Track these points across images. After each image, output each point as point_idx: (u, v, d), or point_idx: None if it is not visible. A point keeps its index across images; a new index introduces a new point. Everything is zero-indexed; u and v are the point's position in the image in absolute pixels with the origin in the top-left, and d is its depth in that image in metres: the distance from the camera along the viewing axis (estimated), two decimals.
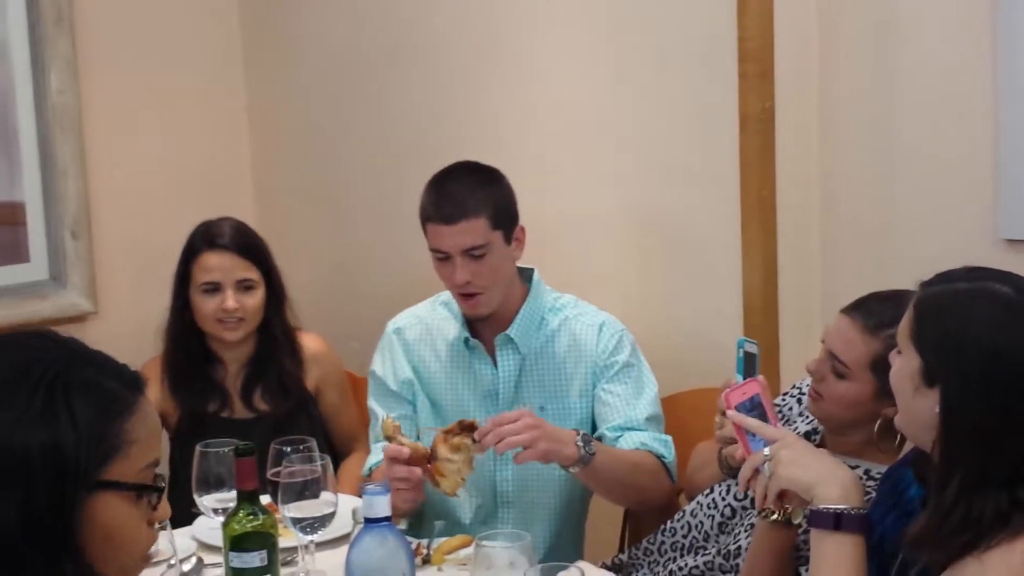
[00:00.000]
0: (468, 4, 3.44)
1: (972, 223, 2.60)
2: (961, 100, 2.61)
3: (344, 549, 2.08)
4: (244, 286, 3.06)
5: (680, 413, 2.89)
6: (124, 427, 1.45)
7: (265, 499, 2.29)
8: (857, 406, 2.21)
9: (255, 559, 2.17)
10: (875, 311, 2.21)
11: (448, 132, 3.49)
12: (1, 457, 1.37)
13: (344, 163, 3.83)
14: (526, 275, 2.83)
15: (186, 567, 2.37)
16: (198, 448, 2.41)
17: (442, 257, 2.69)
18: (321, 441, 2.49)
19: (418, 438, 2.63)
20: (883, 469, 2.19)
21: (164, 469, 3.16)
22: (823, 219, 2.89)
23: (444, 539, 2.50)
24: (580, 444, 2.51)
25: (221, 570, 2.30)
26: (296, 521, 2.28)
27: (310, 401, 3.17)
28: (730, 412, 2.00)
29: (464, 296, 2.72)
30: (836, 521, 1.83)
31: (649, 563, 2.57)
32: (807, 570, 1.98)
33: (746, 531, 2.32)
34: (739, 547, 2.32)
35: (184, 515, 2.54)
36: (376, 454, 2.78)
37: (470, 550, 2.26)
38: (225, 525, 2.21)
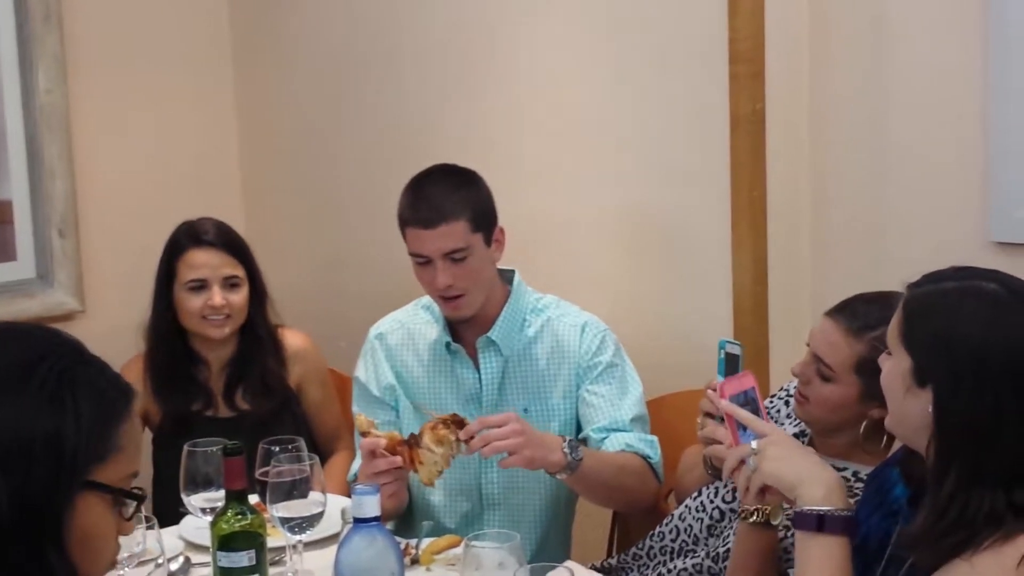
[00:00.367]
0: (461, 4, 3.43)
1: (963, 225, 2.61)
2: (952, 101, 2.61)
3: (333, 549, 2.07)
4: (230, 283, 3.05)
5: (669, 414, 2.89)
6: (118, 431, 1.48)
7: (253, 499, 2.28)
8: (842, 408, 2.22)
9: (243, 559, 2.16)
10: (860, 313, 2.22)
11: (439, 132, 3.48)
12: (5, 437, 1.39)
13: (333, 162, 3.83)
14: (507, 277, 2.83)
15: (173, 566, 2.37)
16: (186, 447, 2.40)
17: (423, 261, 2.68)
18: (305, 440, 2.48)
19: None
20: (871, 471, 2.19)
21: (147, 469, 3.18)
22: (814, 220, 2.89)
23: (433, 539, 2.49)
24: (567, 451, 2.51)
25: (209, 570, 2.29)
26: (284, 521, 2.28)
27: (293, 399, 3.17)
28: (723, 402, 1.99)
29: (446, 299, 2.71)
30: (819, 523, 1.83)
31: (639, 567, 2.57)
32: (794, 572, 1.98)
33: (735, 534, 2.32)
34: (728, 550, 2.32)
35: (171, 514, 2.53)
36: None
37: (459, 550, 2.26)
38: (213, 524, 2.20)
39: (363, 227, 3.71)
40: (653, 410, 2.89)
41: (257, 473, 2.35)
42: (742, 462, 1.96)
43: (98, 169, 3.72)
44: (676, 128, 3.03)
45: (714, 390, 2.08)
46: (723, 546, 2.36)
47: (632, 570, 2.58)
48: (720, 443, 2.08)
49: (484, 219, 2.71)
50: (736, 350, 2.16)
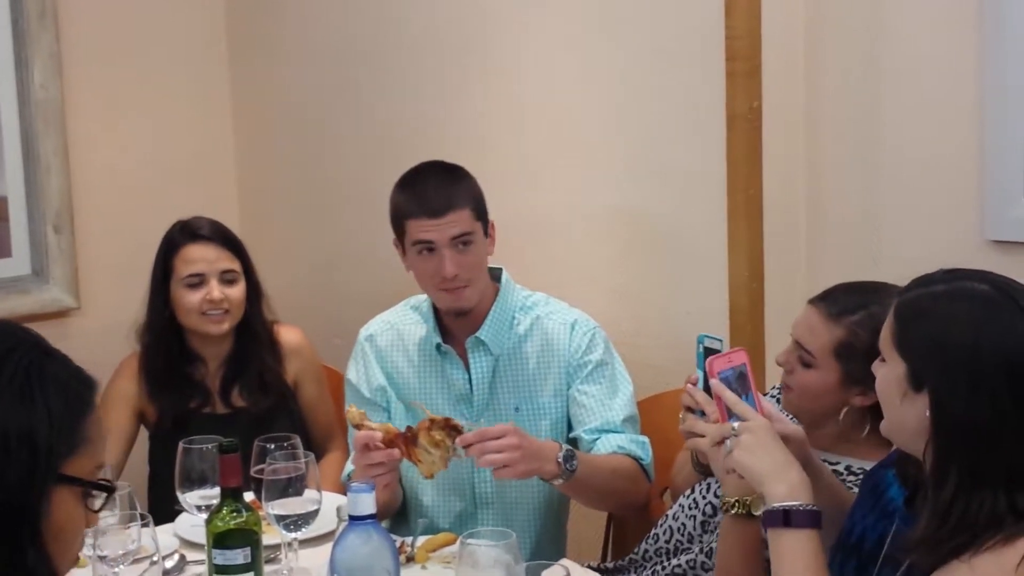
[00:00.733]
0: (457, 2, 3.43)
1: (958, 223, 2.61)
2: (947, 100, 2.61)
3: (328, 547, 2.07)
4: (227, 278, 3.05)
5: (664, 413, 2.88)
6: (85, 424, 1.48)
7: (249, 496, 2.28)
8: (824, 395, 2.23)
9: (238, 556, 2.16)
10: (839, 299, 2.25)
11: (434, 130, 3.48)
12: None
13: (329, 160, 3.82)
14: (494, 275, 2.83)
15: (168, 564, 2.36)
16: (181, 445, 2.40)
17: (428, 250, 2.68)
18: (301, 437, 2.48)
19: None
20: (863, 464, 2.20)
21: (143, 467, 3.18)
22: (809, 218, 2.89)
23: (428, 537, 2.49)
24: (561, 461, 2.51)
25: (204, 567, 2.28)
26: (280, 518, 2.28)
27: (290, 396, 3.16)
28: (712, 381, 1.99)
29: (449, 290, 2.71)
30: (785, 518, 1.84)
31: (635, 568, 2.57)
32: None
33: (719, 527, 2.32)
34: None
35: (166, 512, 2.53)
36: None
37: (454, 548, 2.26)
38: (208, 522, 2.19)
39: (359, 225, 3.70)
40: (648, 409, 2.89)
41: (252, 470, 2.35)
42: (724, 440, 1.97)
43: (93, 166, 3.72)
44: (672, 126, 3.02)
45: (694, 384, 2.08)
46: (716, 540, 2.36)
47: (629, 571, 2.58)
48: (702, 436, 2.08)
49: (482, 210, 2.74)
50: (716, 344, 2.16)
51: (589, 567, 2.53)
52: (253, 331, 3.11)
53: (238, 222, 3.62)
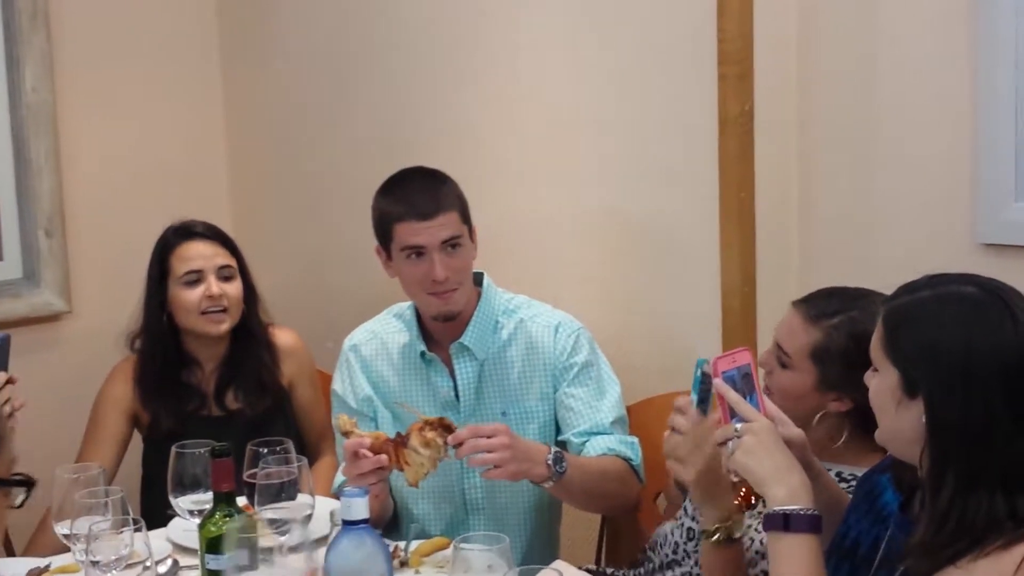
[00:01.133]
0: (447, 4, 3.43)
1: (950, 226, 2.61)
2: (940, 103, 2.62)
3: (321, 552, 2.06)
4: (225, 275, 3.05)
5: (656, 416, 2.88)
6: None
7: (242, 500, 2.27)
8: (802, 398, 2.24)
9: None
10: (819, 303, 2.27)
11: (426, 131, 3.48)
12: None
13: (320, 162, 3.82)
14: (476, 279, 2.83)
15: (161, 569, 2.36)
16: (174, 449, 2.40)
17: (418, 254, 2.68)
18: (295, 441, 2.48)
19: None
20: (853, 470, 2.21)
21: (136, 469, 3.17)
22: (801, 221, 2.89)
23: (421, 541, 2.49)
24: (551, 463, 2.51)
25: (196, 572, 2.29)
26: (273, 523, 2.27)
27: (286, 398, 3.16)
28: (716, 381, 1.99)
29: (438, 294, 2.71)
30: (785, 522, 1.85)
31: None
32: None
33: (700, 551, 2.32)
34: None
35: (159, 517, 2.52)
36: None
37: (447, 552, 2.26)
38: (201, 527, 2.19)
39: (351, 227, 3.69)
40: (640, 412, 2.89)
41: (245, 475, 2.35)
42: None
43: (85, 169, 3.71)
44: (664, 129, 3.03)
45: (684, 406, 2.07)
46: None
47: None
48: (680, 460, 2.08)
49: (467, 214, 2.75)
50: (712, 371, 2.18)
51: (588, 570, 2.54)
52: (250, 332, 3.11)
53: (230, 224, 3.61)
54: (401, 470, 2.44)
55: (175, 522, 2.52)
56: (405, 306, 2.85)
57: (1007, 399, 1.68)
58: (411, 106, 3.54)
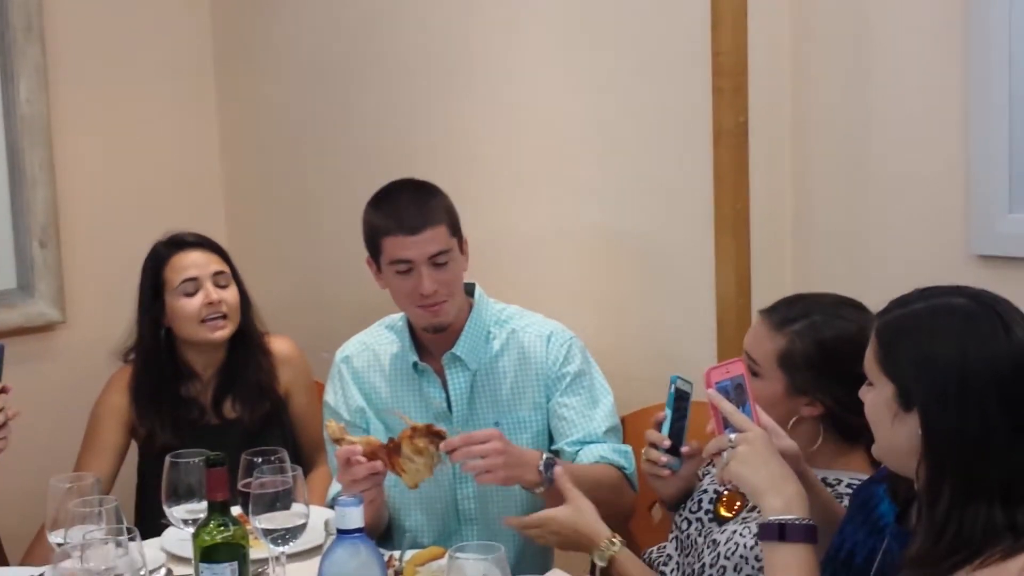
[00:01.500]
0: (443, 17, 3.44)
1: (944, 238, 2.62)
2: (933, 115, 2.63)
3: (316, 561, 2.06)
4: (220, 282, 3.06)
5: (650, 427, 2.89)
6: None
7: (236, 510, 2.27)
8: (775, 405, 2.22)
9: (225, 571, 2.15)
10: (783, 309, 2.29)
11: (420, 143, 3.48)
12: None
13: (315, 173, 3.82)
14: (468, 290, 2.83)
15: None
16: (168, 458, 2.39)
17: (405, 269, 2.68)
18: (291, 450, 2.48)
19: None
20: (836, 475, 2.21)
21: (132, 478, 3.16)
22: (796, 233, 2.90)
23: (416, 551, 2.48)
24: (542, 469, 2.52)
25: None
26: (267, 532, 2.27)
27: (282, 407, 3.16)
28: (709, 391, 1.99)
29: (427, 307, 2.71)
30: (781, 532, 1.85)
31: None
32: None
33: (708, 547, 2.32)
34: (703, 564, 2.31)
35: (153, 526, 2.52)
36: (337, 484, 2.75)
37: (442, 562, 2.26)
38: (195, 536, 2.19)
39: (345, 238, 3.68)
40: (635, 422, 2.89)
41: (240, 484, 2.34)
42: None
43: (79, 180, 3.70)
44: (659, 141, 3.03)
45: (659, 423, 2.11)
46: (698, 562, 2.35)
47: None
48: (660, 475, 2.09)
49: (457, 226, 2.75)
50: (687, 388, 2.21)
51: None
52: (247, 340, 3.11)
53: (225, 235, 3.61)
54: (397, 475, 2.45)
55: (169, 531, 2.51)
56: (397, 317, 2.86)
57: (1003, 409, 1.68)
58: (405, 118, 3.54)
